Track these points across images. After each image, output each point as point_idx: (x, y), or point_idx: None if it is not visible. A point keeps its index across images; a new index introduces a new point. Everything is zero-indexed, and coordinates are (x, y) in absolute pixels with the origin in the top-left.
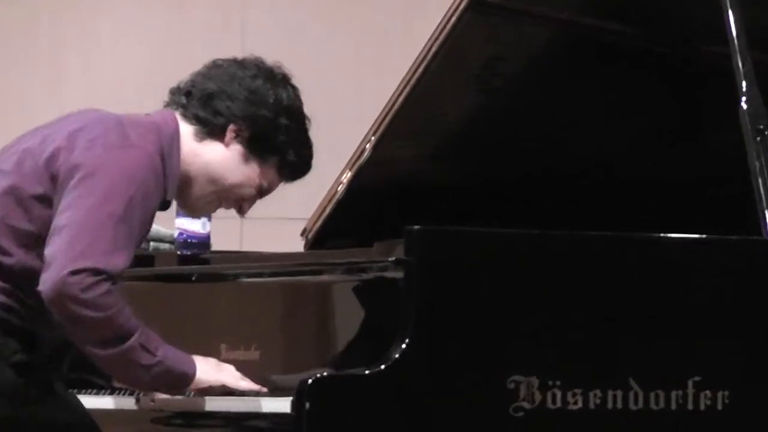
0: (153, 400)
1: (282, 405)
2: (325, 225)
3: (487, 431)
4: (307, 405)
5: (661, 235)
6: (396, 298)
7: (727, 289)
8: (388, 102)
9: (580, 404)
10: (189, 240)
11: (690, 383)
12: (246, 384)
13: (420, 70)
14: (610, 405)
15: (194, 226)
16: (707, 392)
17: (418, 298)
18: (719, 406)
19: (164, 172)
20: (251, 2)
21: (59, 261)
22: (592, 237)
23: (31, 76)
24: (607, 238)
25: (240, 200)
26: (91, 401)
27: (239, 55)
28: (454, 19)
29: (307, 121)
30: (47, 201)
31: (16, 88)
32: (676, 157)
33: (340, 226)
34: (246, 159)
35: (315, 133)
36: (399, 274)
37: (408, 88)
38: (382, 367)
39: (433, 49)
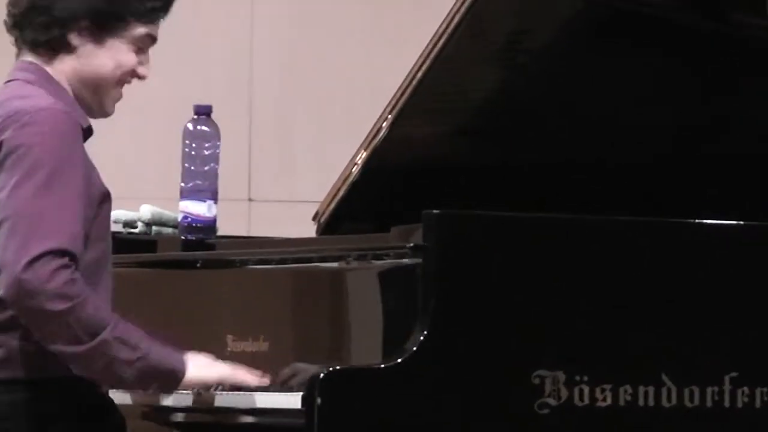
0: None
1: (292, 400)
2: (339, 208)
3: (511, 429)
4: (319, 400)
5: (697, 221)
6: (413, 286)
7: (761, 277)
8: (406, 78)
9: (609, 401)
10: (194, 224)
11: (727, 379)
12: (244, 377)
13: (440, 44)
14: (641, 402)
15: (199, 209)
16: (745, 389)
17: (436, 287)
18: (758, 404)
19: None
20: None
21: (10, 256)
22: (622, 222)
23: None
24: (638, 223)
25: (132, 74)
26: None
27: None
28: None
29: None
30: None
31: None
32: (713, 139)
33: (354, 209)
34: (104, 45)
35: (329, 113)
36: (417, 261)
37: (427, 64)
38: (398, 360)
39: (454, 22)
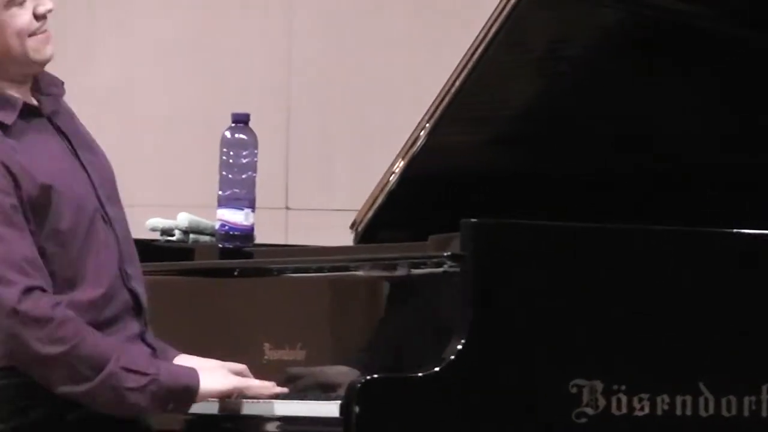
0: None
1: (330, 408)
2: (376, 217)
3: None
4: (357, 409)
5: (734, 230)
6: (451, 295)
7: None
8: (444, 87)
9: (647, 410)
10: (231, 232)
11: (764, 389)
12: (258, 387)
13: (478, 53)
14: (678, 411)
15: (237, 217)
16: None
17: (474, 296)
18: None
19: None
20: None
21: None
22: (660, 232)
23: (63, 56)
24: (675, 233)
25: (31, 25)
26: None
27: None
28: None
29: None
30: None
31: (48, 66)
32: (752, 149)
33: (392, 218)
34: None
35: (367, 122)
36: (454, 270)
37: (465, 73)
38: (436, 369)
39: (492, 30)
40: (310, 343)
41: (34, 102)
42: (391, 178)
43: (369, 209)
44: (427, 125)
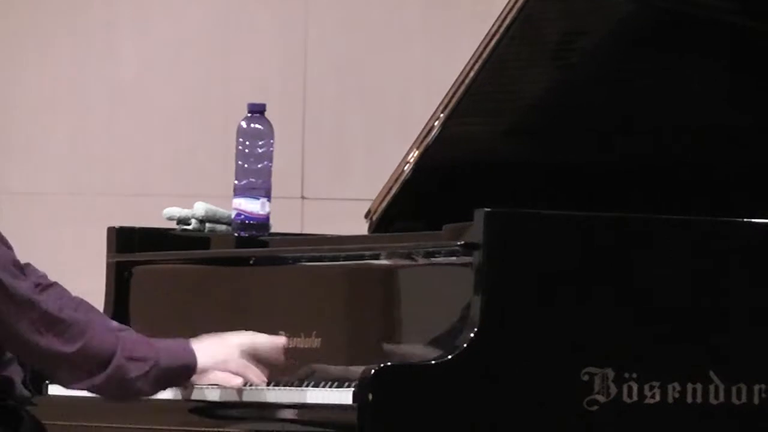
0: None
1: (344, 396)
2: (391, 206)
3: (561, 426)
4: (370, 396)
5: (746, 220)
6: (464, 284)
7: None
8: (458, 77)
9: (657, 398)
10: (247, 221)
11: None
12: (254, 373)
13: (491, 45)
14: (689, 399)
15: (253, 206)
16: None
17: (487, 285)
18: None
19: None
20: None
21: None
22: (672, 221)
23: (86, 49)
24: (684, 222)
25: None
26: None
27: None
28: None
29: None
30: None
31: (67, 62)
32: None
33: (406, 207)
34: None
35: (382, 112)
36: (468, 259)
37: (479, 65)
38: (449, 356)
39: (505, 23)
40: (326, 330)
41: None
42: (405, 168)
43: (383, 199)
44: (441, 116)
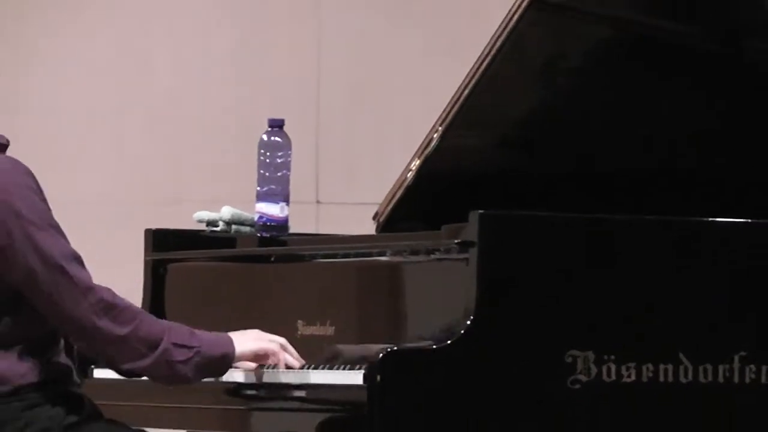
0: None
1: (355, 377)
2: (396, 209)
3: (547, 402)
4: (378, 377)
5: (709, 219)
6: (461, 278)
7: (764, 268)
8: (455, 95)
9: (633, 377)
10: (268, 223)
11: (736, 358)
12: (286, 357)
13: (484, 65)
14: (661, 378)
15: (273, 210)
16: (752, 366)
17: (481, 278)
18: (763, 380)
19: None
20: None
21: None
22: (647, 221)
23: (124, 68)
24: (663, 222)
25: None
26: None
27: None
28: (516, 16)
29: None
30: None
31: (109, 78)
32: (738, 156)
33: (409, 210)
34: None
35: (388, 126)
36: (464, 256)
37: (473, 82)
38: (448, 342)
39: (497, 45)
40: (338, 320)
41: None
42: (408, 175)
43: (389, 203)
44: (440, 128)
